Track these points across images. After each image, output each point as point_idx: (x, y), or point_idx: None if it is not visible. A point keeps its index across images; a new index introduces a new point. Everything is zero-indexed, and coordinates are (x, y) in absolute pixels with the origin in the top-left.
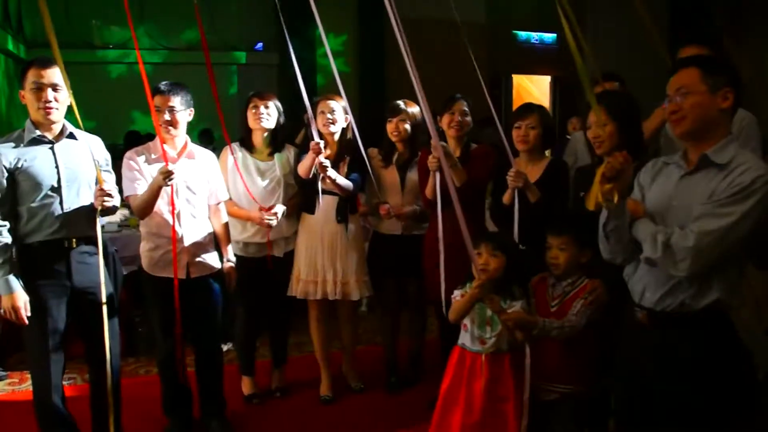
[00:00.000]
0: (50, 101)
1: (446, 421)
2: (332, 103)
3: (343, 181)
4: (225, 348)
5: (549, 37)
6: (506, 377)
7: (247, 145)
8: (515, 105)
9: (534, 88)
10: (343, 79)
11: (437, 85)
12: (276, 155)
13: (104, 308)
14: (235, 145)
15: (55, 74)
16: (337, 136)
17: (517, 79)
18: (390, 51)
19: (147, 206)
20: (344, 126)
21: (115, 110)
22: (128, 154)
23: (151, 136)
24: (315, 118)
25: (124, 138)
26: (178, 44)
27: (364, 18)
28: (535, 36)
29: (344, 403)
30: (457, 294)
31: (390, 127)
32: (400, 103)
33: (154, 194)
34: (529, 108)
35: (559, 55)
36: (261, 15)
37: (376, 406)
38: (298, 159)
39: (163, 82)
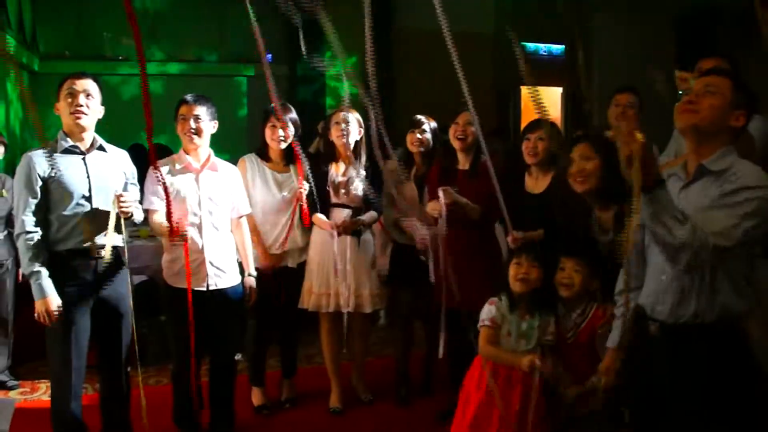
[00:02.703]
0: (81, 105)
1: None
2: (347, 115)
3: (368, 218)
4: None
5: (557, 48)
6: (534, 392)
7: (264, 157)
8: (524, 117)
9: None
10: (353, 101)
11: (444, 96)
12: (292, 166)
13: (131, 318)
14: (252, 157)
15: (88, 83)
16: (351, 148)
17: (525, 91)
18: (398, 68)
19: (158, 234)
20: (357, 139)
21: (126, 124)
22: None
23: (162, 147)
24: (329, 129)
25: (128, 151)
26: (190, 57)
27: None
28: (543, 47)
29: (354, 415)
30: (491, 310)
31: (411, 137)
32: (421, 117)
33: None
34: (539, 122)
35: (567, 66)
36: (271, 27)
37: (386, 418)
38: (312, 173)
39: (189, 94)
